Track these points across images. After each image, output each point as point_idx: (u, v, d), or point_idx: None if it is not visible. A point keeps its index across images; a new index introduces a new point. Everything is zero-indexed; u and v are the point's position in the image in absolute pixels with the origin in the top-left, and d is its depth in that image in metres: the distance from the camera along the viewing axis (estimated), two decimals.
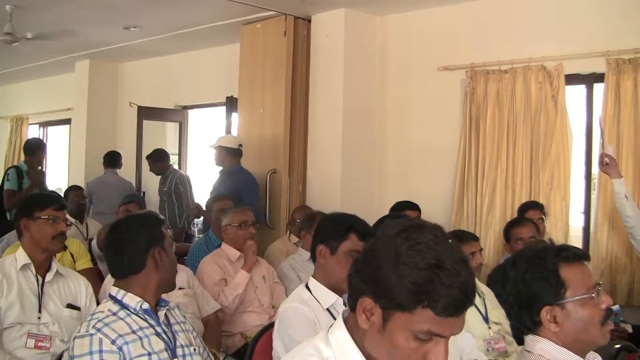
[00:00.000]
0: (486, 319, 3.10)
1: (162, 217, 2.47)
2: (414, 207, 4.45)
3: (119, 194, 6.32)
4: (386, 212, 4.25)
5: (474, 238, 3.34)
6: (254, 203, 4.83)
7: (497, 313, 3.11)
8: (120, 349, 1.89)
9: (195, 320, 3.08)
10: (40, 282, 2.68)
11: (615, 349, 2.64)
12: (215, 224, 4.26)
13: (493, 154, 4.83)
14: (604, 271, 4.27)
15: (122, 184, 6.67)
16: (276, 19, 5.59)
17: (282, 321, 2.25)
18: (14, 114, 9.82)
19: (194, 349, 2.10)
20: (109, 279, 3.02)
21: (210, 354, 2.32)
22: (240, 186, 5.08)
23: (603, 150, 3.89)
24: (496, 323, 3.11)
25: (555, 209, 4.53)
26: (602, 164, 3.86)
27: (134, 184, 7.06)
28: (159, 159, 6.39)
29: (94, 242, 4.34)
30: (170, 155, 7.63)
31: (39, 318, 2.61)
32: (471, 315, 3.06)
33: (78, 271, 3.28)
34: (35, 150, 5.81)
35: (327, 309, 2.27)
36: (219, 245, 3.79)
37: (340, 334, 1.30)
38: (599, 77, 4.44)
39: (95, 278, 3.68)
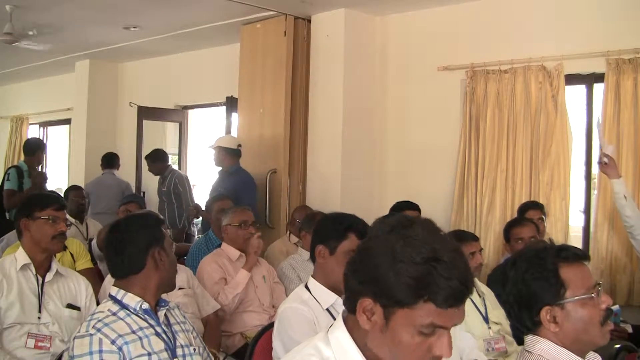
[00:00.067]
0: (486, 319, 3.10)
1: (162, 217, 2.47)
2: (414, 207, 4.45)
3: (116, 193, 6.52)
4: (386, 212, 4.25)
5: (474, 238, 3.34)
6: (252, 203, 4.83)
7: (497, 313, 3.11)
8: (120, 349, 1.89)
9: (195, 320, 3.08)
10: (40, 282, 2.68)
11: (615, 349, 2.64)
12: (215, 224, 4.26)
13: (493, 154, 4.83)
14: (604, 271, 4.27)
15: (119, 184, 6.75)
16: (276, 19, 5.59)
17: (282, 321, 2.25)
18: (14, 114, 9.82)
19: (194, 349, 2.10)
20: (109, 279, 3.02)
21: (210, 354, 2.32)
22: (239, 186, 5.08)
23: (602, 150, 3.89)
24: (496, 323, 3.11)
25: (555, 209, 4.53)
26: (601, 164, 3.87)
27: (134, 184, 7.07)
28: (157, 159, 6.40)
29: (94, 242, 4.34)
30: (170, 156, 7.65)
31: (39, 318, 2.61)
32: (471, 315, 3.06)
33: (78, 271, 3.28)
34: (35, 150, 5.82)
35: (327, 309, 2.27)
36: (219, 245, 3.79)
37: (340, 334, 1.30)
38: (599, 77, 4.44)
39: (95, 278, 3.68)
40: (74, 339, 1.91)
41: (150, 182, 6.95)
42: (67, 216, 2.99)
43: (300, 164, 5.66)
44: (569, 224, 4.57)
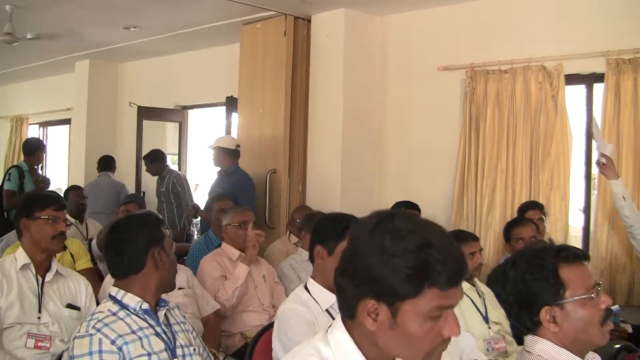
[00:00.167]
0: (486, 319, 3.10)
1: (161, 217, 2.47)
2: (414, 207, 4.45)
3: (110, 194, 6.61)
4: None
5: (474, 238, 3.34)
6: (250, 204, 4.83)
7: (497, 313, 3.11)
8: (120, 349, 1.89)
9: (195, 320, 3.08)
10: (40, 282, 2.68)
11: (615, 349, 2.64)
12: (215, 224, 4.26)
13: (493, 154, 4.83)
14: (603, 271, 4.27)
15: (114, 186, 6.81)
16: (276, 19, 5.59)
17: (281, 323, 2.24)
18: (14, 114, 9.82)
19: (194, 349, 2.10)
20: (108, 279, 3.02)
21: (210, 354, 2.32)
22: (237, 187, 5.09)
23: (600, 151, 3.89)
24: (496, 323, 3.11)
25: (555, 209, 4.53)
26: (600, 165, 3.87)
27: (133, 184, 7.09)
28: (155, 159, 6.41)
29: (93, 242, 4.34)
30: (170, 156, 7.65)
31: (38, 318, 2.61)
32: (471, 315, 3.07)
33: (78, 271, 3.28)
34: (34, 150, 5.83)
35: (327, 310, 2.27)
36: (219, 245, 3.79)
37: (340, 334, 1.30)
38: (599, 77, 4.44)
39: (95, 278, 3.68)
40: (74, 339, 1.91)
41: (150, 182, 6.96)
42: (67, 216, 2.99)
43: (300, 164, 5.66)
44: (568, 224, 4.57)
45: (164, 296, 2.14)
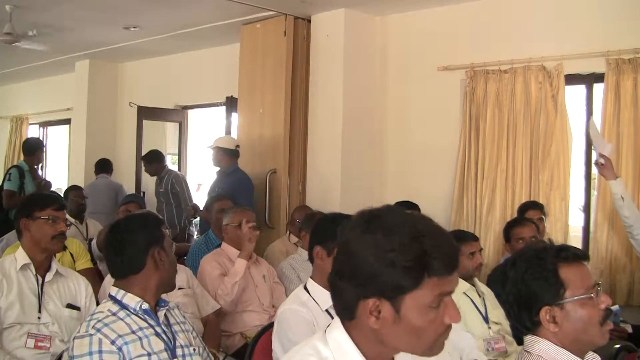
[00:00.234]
0: (486, 319, 3.10)
1: (161, 217, 2.47)
2: (414, 207, 4.45)
3: (108, 194, 6.77)
4: None
5: (474, 238, 3.34)
6: (249, 204, 4.83)
7: (497, 313, 3.11)
8: (119, 349, 1.89)
9: (195, 320, 3.08)
10: (40, 282, 2.68)
11: (615, 349, 2.64)
12: (215, 224, 4.26)
13: (493, 154, 4.83)
14: (603, 271, 4.27)
15: (112, 186, 6.95)
16: (276, 19, 5.59)
17: (281, 323, 2.25)
18: (14, 114, 9.82)
19: (194, 349, 2.10)
20: (108, 279, 3.02)
21: (210, 354, 2.32)
22: (236, 187, 5.09)
23: (598, 151, 3.89)
24: (496, 323, 3.12)
25: (555, 209, 4.53)
26: (598, 166, 3.88)
27: (133, 184, 7.10)
28: (153, 160, 6.42)
29: (93, 242, 4.34)
30: (170, 156, 7.65)
31: (38, 318, 2.61)
32: (471, 315, 3.07)
33: (78, 271, 3.28)
34: (34, 150, 5.83)
35: (326, 310, 2.26)
36: (219, 245, 3.79)
37: (338, 333, 1.30)
38: (599, 77, 4.44)
39: (95, 278, 3.68)
40: (74, 339, 1.91)
41: (150, 183, 6.96)
42: (67, 216, 2.98)
43: (300, 164, 5.66)
44: (568, 224, 4.57)
45: (164, 296, 2.14)
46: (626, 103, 4.25)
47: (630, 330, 3.61)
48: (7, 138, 9.83)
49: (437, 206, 5.00)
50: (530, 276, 1.67)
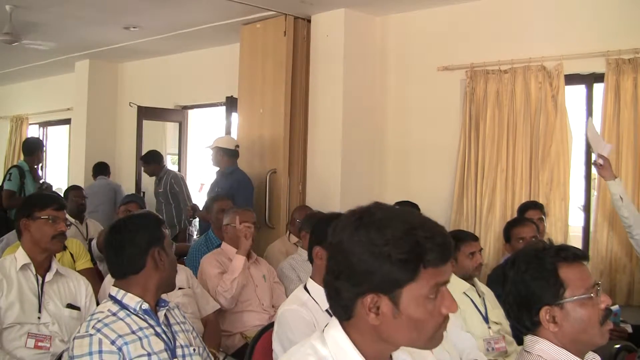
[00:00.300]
0: (486, 319, 3.10)
1: (161, 217, 2.47)
2: (414, 207, 4.44)
3: (107, 195, 6.85)
4: None
5: (474, 238, 3.34)
6: (248, 204, 4.85)
7: (497, 313, 3.11)
8: (119, 349, 1.89)
9: (195, 320, 3.08)
10: (40, 282, 2.68)
11: (615, 349, 2.64)
12: (215, 224, 4.26)
13: (493, 154, 4.83)
14: (603, 271, 4.27)
15: (111, 187, 7.03)
16: (276, 19, 5.59)
17: (281, 324, 2.25)
18: (14, 114, 9.83)
19: (194, 349, 2.10)
20: (108, 279, 3.02)
21: (210, 354, 2.32)
22: (235, 186, 5.09)
23: (596, 152, 3.89)
24: (496, 323, 3.12)
25: (555, 209, 4.53)
26: (596, 166, 3.88)
27: (133, 184, 7.11)
28: (151, 160, 6.43)
29: (93, 243, 4.34)
30: (170, 156, 7.65)
31: (38, 318, 2.61)
32: (471, 315, 3.07)
33: (78, 271, 3.28)
34: (34, 150, 5.83)
35: (327, 310, 2.26)
36: (219, 245, 3.79)
37: (336, 332, 1.30)
38: (599, 77, 4.44)
39: (95, 278, 3.68)
40: (74, 339, 1.91)
41: (151, 182, 6.97)
42: (67, 216, 2.99)
43: (300, 164, 5.66)
44: (568, 224, 4.57)
45: (164, 296, 2.14)
46: (626, 103, 4.25)
47: (630, 330, 3.61)
48: (7, 138, 9.83)
49: (437, 206, 5.00)
50: (530, 276, 1.68)
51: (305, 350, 1.31)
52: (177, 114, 7.57)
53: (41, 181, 6.02)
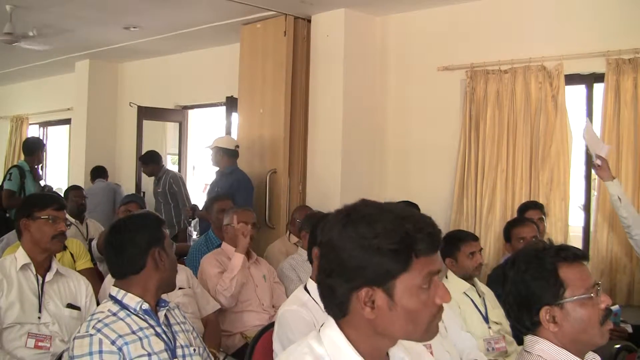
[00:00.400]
0: (486, 319, 3.11)
1: (161, 217, 2.47)
2: (414, 207, 4.44)
3: (106, 195, 6.93)
4: None
5: (474, 238, 3.35)
6: (247, 204, 4.84)
7: (497, 313, 3.12)
8: (120, 349, 1.89)
9: (195, 320, 3.08)
10: (41, 282, 2.68)
11: (615, 349, 2.64)
12: (215, 224, 4.26)
13: (493, 154, 4.83)
14: (603, 271, 4.27)
15: (110, 188, 7.10)
16: (276, 19, 5.59)
17: (281, 324, 2.25)
18: (14, 114, 9.83)
19: (194, 350, 2.10)
20: (109, 279, 3.02)
21: (210, 354, 2.32)
22: (234, 186, 5.09)
23: (595, 153, 3.90)
24: (496, 323, 3.12)
25: (555, 209, 4.53)
26: (595, 167, 3.88)
27: (133, 184, 7.11)
28: (150, 161, 6.44)
29: (94, 243, 4.34)
30: (170, 156, 7.66)
31: (39, 318, 2.61)
32: (471, 315, 3.07)
33: (78, 271, 3.27)
34: (34, 150, 5.83)
35: None
36: (219, 245, 3.79)
37: (332, 331, 1.30)
38: (599, 77, 4.44)
39: (95, 278, 3.68)
40: (74, 339, 1.91)
41: (150, 182, 6.97)
42: (67, 216, 2.99)
43: (300, 164, 5.66)
44: (568, 224, 4.57)
45: (164, 296, 2.14)
46: (626, 103, 4.25)
47: (630, 330, 3.61)
48: (7, 138, 9.84)
49: (437, 206, 5.00)
50: (530, 276, 1.68)
51: (302, 350, 1.31)
52: (177, 114, 7.57)
53: (42, 184, 6.03)
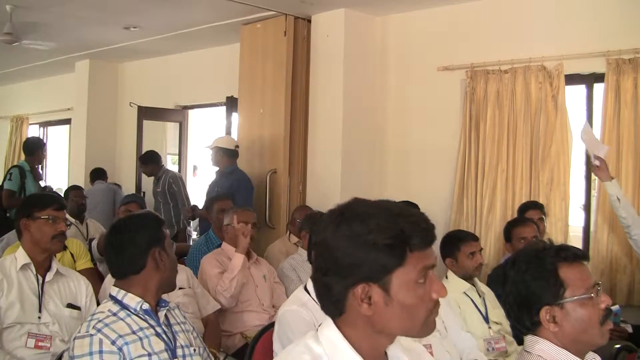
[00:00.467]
0: (486, 319, 3.11)
1: (161, 217, 2.47)
2: (414, 207, 4.44)
3: (106, 195, 6.97)
4: None
5: (474, 238, 3.35)
6: (247, 203, 4.84)
7: (497, 313, 3.12)
8: (120, 349, 1.89)
9: (195, 320, 3.08)
10: (41, 281, 2.68)
11: (615, 349, 2.64)
12: (215, 224, 4.26)
13: (493, 154, 4.83)
14: (604, 271, 4.27)
15: (109, 188, 7.14)
16: (276, 19, 5.59)
17: (282, 324, 2.25)
18: (14, 114, 9.83)
19: (194, 350, 2.10)
20: (109, 279, 3.02)
21: (210, 354, 2.32)
22: (234, 186, 5.09)
23: (594, 153, 3.90)
24: (496, 323, 3.12)
25: (555, 209, 4.53)
26: (593, 167, 3.89)
27: (133, 184, 7.11)
28: (149, 161, 6.44)
29: (94, 243, 4.34)
30: (170, 156, 7.66)
31: (39, 318, 2.61)
32: (471, 315, 3.07)
33: (78, 271, 3.27)
34: (34, 150, 5.82)
35: None
36: (219, 245, 3.79)
37: (330, 331, 1.31)
38: (599, 77, 4.44)
39: (95, 278, 3.68)
40: (74, 339, 1.91)
41: (150, 182, 6.97)
42: (67, 216, 2.99)
43: (300, 164, 5.66)
44: (568, 224, 4.58)
45: (164, 296, 2.14)
46: (626, 103, 4.25)
47: (630, 330, 3.61)
48: (7, 138, 9.84)
49: (437, 206, 5.00)
50: (530, 276, 1.67)
51: (300, 350, 1.31)
52: (177, 114, 7.57)
53: (43, 184, 6.04)
